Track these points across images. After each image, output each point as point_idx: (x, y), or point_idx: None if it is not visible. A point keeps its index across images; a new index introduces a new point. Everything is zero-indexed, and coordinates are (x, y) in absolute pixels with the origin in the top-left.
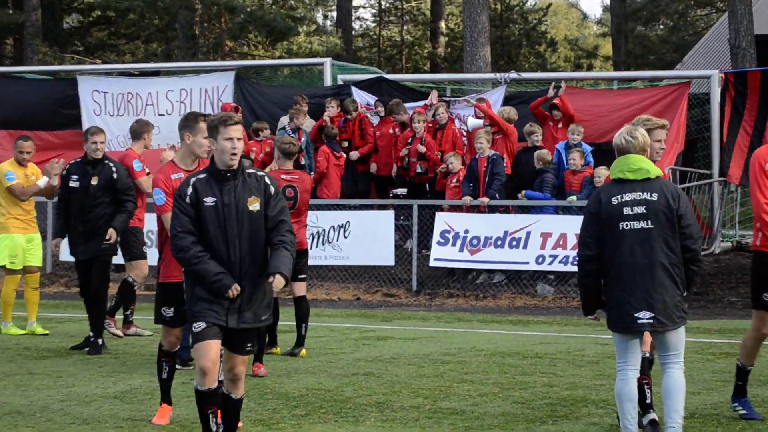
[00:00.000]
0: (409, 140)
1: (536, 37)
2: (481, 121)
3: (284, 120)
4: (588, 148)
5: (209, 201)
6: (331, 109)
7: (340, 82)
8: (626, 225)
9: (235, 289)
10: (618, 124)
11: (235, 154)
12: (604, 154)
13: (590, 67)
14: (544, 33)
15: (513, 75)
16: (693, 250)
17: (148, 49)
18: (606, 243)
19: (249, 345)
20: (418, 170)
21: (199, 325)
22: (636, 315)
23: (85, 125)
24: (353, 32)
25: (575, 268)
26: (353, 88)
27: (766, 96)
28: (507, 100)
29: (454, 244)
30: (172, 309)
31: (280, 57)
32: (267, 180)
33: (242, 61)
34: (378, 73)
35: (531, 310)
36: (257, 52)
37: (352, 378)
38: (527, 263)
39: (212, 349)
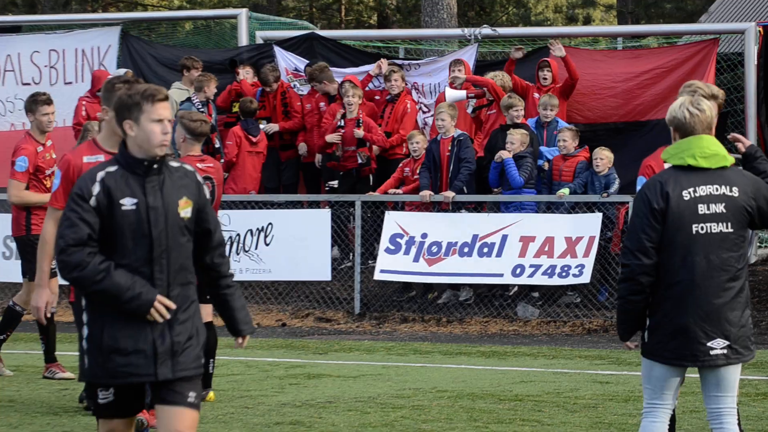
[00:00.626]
0: (340, 121)
1: None
2: (463, 93)
3: (176, 92)
4: (564, 126)
5: (128, 204)
6: (246, 75)
7: (259, 41)
8: (700, 228)
9: (160, 309)
10: (625, 99)
11: (165, 142)
12: (610, 134)
13: (588, 20)
14: None
15: (486, 31)
16: None
17: None
18: (668, 250)
19: (193, 394)
20: (360, 161)
21: (105, 396)
22: (708, 344)
23: None
24: None
25: (562, 281)
26: (277, 49)
27: None
28: (480, 65)
29: (407, 252)
30: None
31: (179, 8)
32: (198, 177)
33: (129, 13)
34: (309, 29)
35: (509, 338)
36: (149, 0)
37: (275, 428)
38: (501, 275)
39: (122, 427)
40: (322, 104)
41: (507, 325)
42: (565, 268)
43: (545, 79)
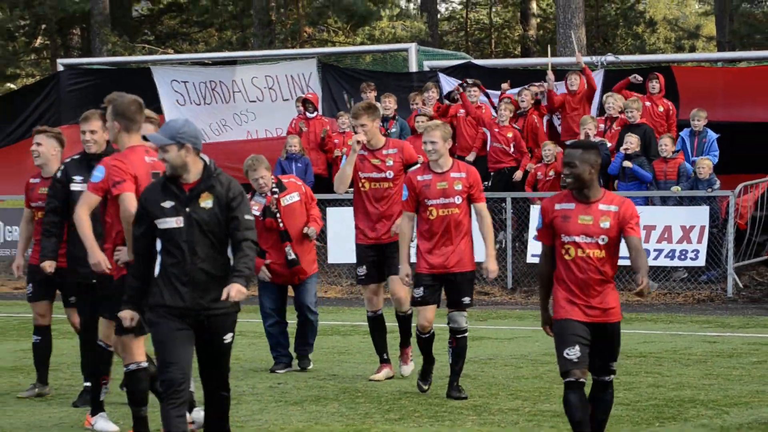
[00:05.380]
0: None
1: (634, 17)
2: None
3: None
4: (713, 136)
5: None
6: (421, 104)
7: (426, 69)
8: None
9: None
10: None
11: None
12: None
13: (692, 49)
14: (642, 13)
15: (610, 58)
16: None
17: (222, 37)
18: None
19: None
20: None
21: None
22: None
23: (169, 117)
24: (438, 16)
25: (681, 263)
26: (440, 75)
27: None
28: (606, 86)
29: None
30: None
31: (361, 43)
32: None
33: (322, 48)
34: (466, 59)
35: (634, 307)
36: (337, 38)
37: (447, 380)
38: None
39: None
40: (461, 110)
41: (632, 297)
42: (683, 252)
43: (654, 88)
